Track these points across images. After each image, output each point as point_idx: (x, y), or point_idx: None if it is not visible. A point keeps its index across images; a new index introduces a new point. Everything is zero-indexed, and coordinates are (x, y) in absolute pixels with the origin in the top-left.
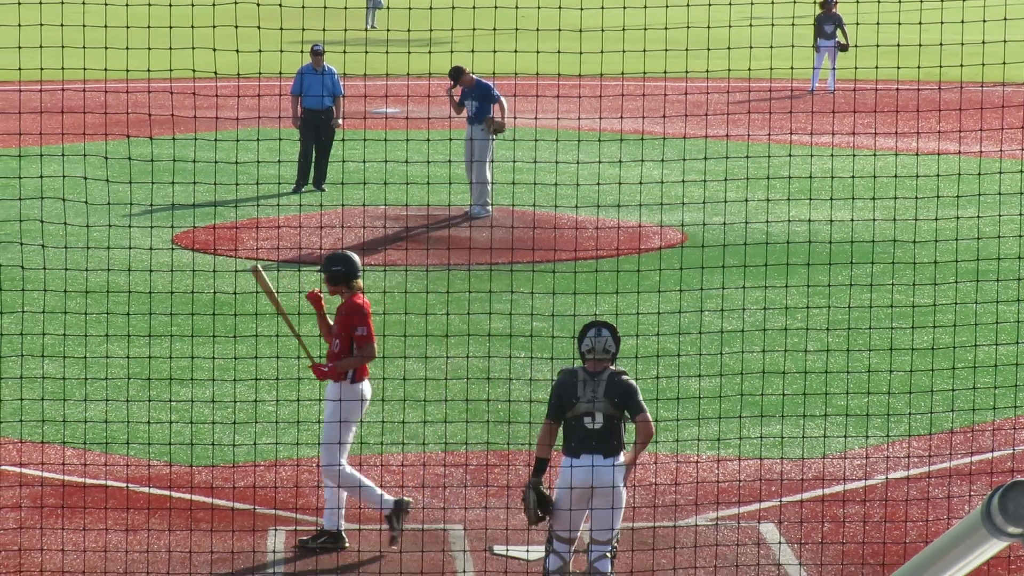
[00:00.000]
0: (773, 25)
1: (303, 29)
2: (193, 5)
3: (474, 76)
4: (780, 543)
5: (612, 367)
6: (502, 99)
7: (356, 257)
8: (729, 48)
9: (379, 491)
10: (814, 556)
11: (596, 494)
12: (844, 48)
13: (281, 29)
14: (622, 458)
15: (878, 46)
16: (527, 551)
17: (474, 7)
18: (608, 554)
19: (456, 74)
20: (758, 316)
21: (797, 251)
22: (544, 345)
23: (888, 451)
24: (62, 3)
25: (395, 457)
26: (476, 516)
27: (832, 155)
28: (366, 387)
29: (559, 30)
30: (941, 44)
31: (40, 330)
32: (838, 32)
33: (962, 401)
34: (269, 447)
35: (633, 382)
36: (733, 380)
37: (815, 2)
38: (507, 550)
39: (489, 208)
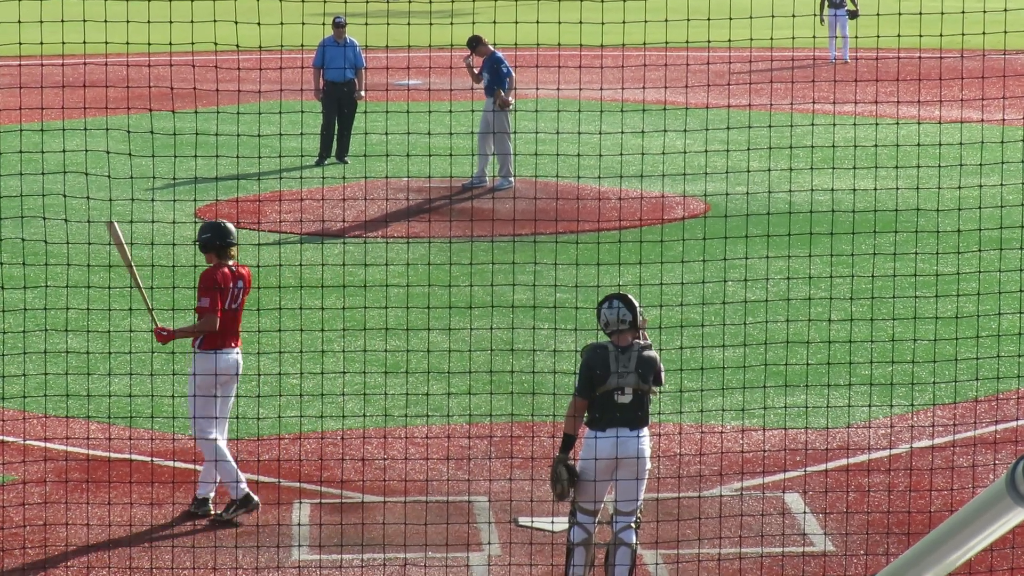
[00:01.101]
0: None
1: (324, 1)
2: None
3: (491, 48)
4: (805, 513)
5: (639, 340)
6: (512, 73)
7: (228, 226)
8: (751, 17)
9: (241, 479)
10: (839, 526)
11: (621, 465)
12: (854, 15)
13: (303, 1)
14: (646, 430)
15: (900, 14)
16: (552, 523)
17: None
18: (633, 524)
19: (472, 43)
20: (781, 286)
21: (820, 220)
22: (568, 316)
23: (912, 420)
24: None
25: (419, 429)
26: (501, 488)
27: (855, 124)
28: (222, 358)
29: (581, 0)
30: (963, 12)
31: (64, 304)
32: (847, 0)
33: (986, 370)
34: (294, 420)
35: (656, 355)
36: (757, 350)
37: None
38: (532, 521)
39: (512, 179)
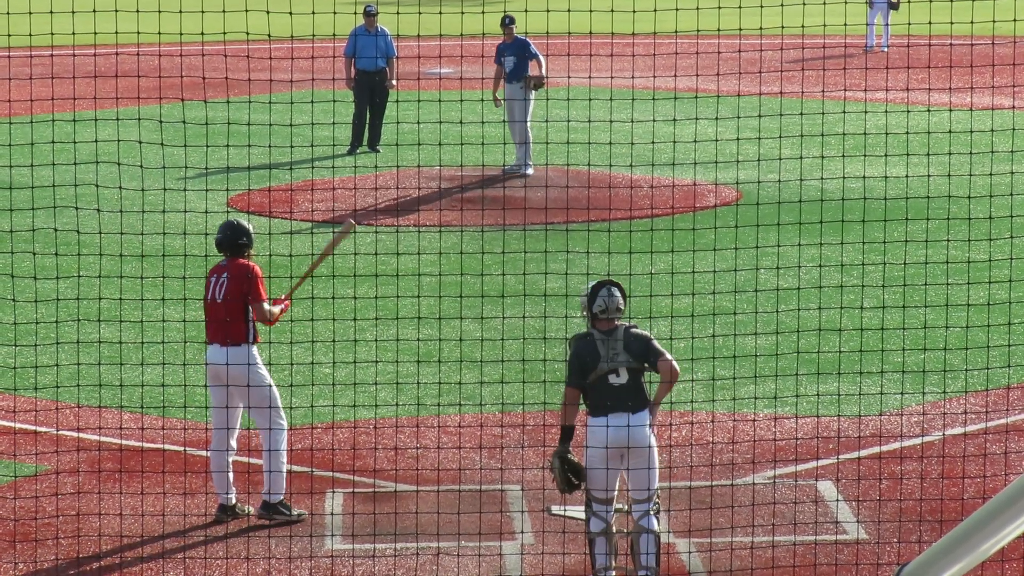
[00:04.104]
0: None
1: None
2: None
3: (515, 33)
4: (838, 501)
5: (622, 323)
6: (540, 56)
7: (238, 225)
8: (783, 5)
9: (227, 484)
10: (872, 513)
11: (630, 454)
12: (895, 6)
13: None
14: (647, 417)
15: (931, 1)
16: (584, 511)
17: None
18: (651, 510)
19: (503, 22)
20: (814, 273)
21: (852, 208)
22: None
23: (945, 407)
24: None
25: (452, 418)
26: (534, 476)
27: (886, 111)
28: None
29: None
30: None
31: (96, 295)
32: None
33: (1019, 356)
34: (326, 409)
35: (645, 331)
36: (789, 338)
37: None
38: (565, 510)
39: (530, 169)
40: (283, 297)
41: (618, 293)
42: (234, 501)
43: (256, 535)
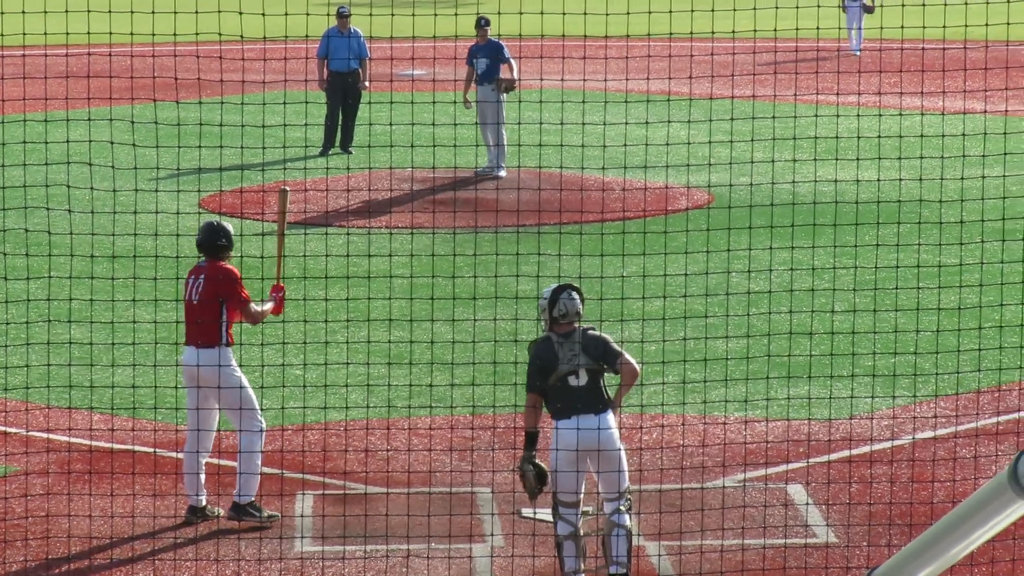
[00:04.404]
0: None
1: None
2: None
3: (488, 36)
4: (807, 504)
5: (579, 326)
6: (512, 59)
7: (216, 226)
8: (755, 8)
9: (198, 486)
10: (841, 517)
11: (593, 456)
12: (870, 10)
13: None
14: (612, 418)
15: (903, 5)
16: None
17: None
18: (623, 507)
19: (478, 24)
20: (785, 277)
21: (824, 211)
22: None
23: (915, 411)
24: None
25: (423, 420)
26: (504, 479)
27: (858, 115)
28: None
29: None
30: (966, 2)
31: (67, 295)
32: None
33: (989, 361)
34: (297, 411)
35: (603, 333)
36: (760, 341)
37: None
38: (535, 513)
39: (502, 172)
40: (273, 288)
41: (577, 296)
42: (204, 503)
43: (226, 537)
